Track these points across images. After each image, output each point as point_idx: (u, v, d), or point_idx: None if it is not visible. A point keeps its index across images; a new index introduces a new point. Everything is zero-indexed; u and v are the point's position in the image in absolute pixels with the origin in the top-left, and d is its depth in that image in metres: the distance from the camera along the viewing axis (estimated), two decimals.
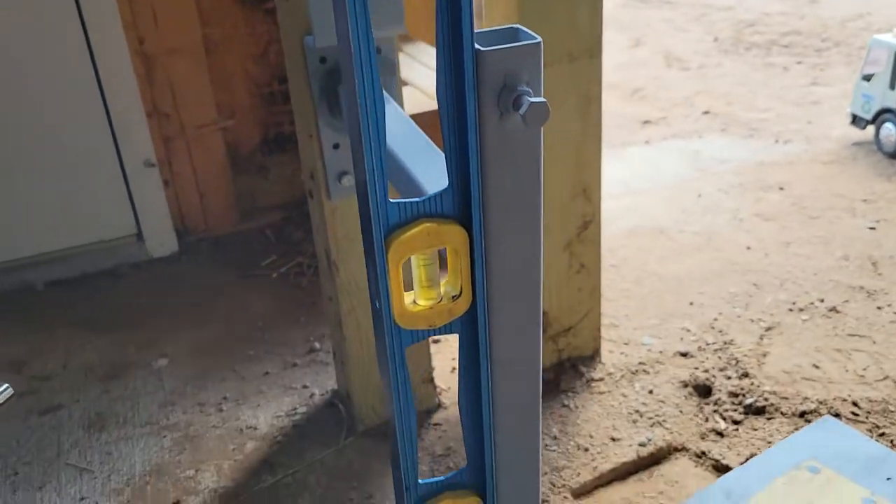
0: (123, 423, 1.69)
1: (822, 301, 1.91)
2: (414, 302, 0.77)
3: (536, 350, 0.81)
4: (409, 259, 0.77)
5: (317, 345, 1.89)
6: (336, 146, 1.35)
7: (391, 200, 0.71)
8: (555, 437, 1.55)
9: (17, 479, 1.56)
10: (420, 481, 0.87)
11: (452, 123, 0.69)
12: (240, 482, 1.51)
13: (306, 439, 1.61)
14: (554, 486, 1.44)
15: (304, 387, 1.76)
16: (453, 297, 0.77)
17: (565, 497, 1.42)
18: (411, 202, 0.72)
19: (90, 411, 1.74)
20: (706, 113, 3.30)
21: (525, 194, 0.72)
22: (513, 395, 0.83)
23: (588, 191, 1.56)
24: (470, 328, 0.79)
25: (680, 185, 2.62)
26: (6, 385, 1.12)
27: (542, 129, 0.70)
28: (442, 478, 0.89)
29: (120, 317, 2.09)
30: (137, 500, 1.49)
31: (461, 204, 0.73)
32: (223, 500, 1.47)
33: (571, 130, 1.47)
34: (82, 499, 1.50)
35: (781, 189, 2.51)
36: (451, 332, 0.80)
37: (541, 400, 0.85)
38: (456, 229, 0.73)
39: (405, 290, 0.77)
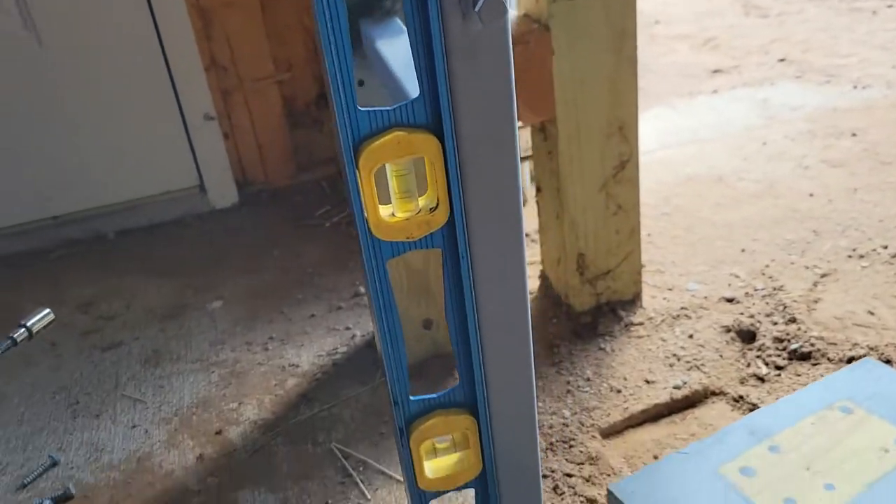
0: (177, 360, 1.78)
1: (886, 248, 1.80)
2: (392, 214, 0.78)
3: (520, 263, 0.80)
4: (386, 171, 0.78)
5: (361, 289, 1.93)
6: (361, 83, 1.36)
7: (361, 108, 0.72)
8: (588, 379, 1.53)
9: (78, 407, 1.66)
10: (411, 398, 0.88)
11: (418, 28, 0.69)
12: (279, 415, 1.57)
13: (344, 377, 1.65)
14: (583, 424, 1.43)
15: (347, 328, 1.80)
16: (431, 208, 0.77)
17: (593, 436, 1.41)
18: (382, 110, 0.72)
19: (147, 348, 1.83)
20: (781, 60, 3.14)
21: (495, 100, 0.71)
22: (498, 310, 0.83)
23: (625, 129, 1.51)
24: (451, 242, 0.79)
25: (746, 134, 2.52)
26: (48, 310, 1.20)
27: (508, 30, 0.69)
28: (434, 395, 0.90)
29: (182, 264, 2.18)
30: (184, 429, 1.57)
31: (433, 112, 0.73)
32: (262, 430, 1.53)
33: (604, 64, 1.43)
34: (134, 426, 1.59)
35: (854, 135, 2.37)
36: (432, 246, 0.80)
37: (529, 314, 0.84)
38: (428, 138, 0.73)
39: (384, 204, 0.78)
